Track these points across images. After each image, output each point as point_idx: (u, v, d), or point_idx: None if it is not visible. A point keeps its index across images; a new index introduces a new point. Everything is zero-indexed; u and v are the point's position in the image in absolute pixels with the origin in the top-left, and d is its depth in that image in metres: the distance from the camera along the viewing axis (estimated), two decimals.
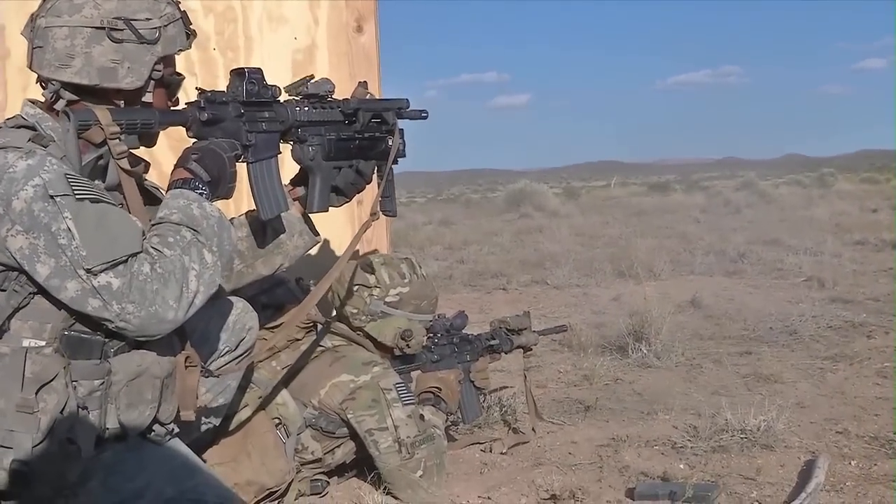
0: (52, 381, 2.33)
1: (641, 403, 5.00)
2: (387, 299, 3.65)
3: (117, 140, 2.45)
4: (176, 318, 2.33)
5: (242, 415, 3.40)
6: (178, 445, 2.67)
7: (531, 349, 4.38)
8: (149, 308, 2.27)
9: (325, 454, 3.56)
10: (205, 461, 2.95)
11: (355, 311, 3.65)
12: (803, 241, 12.32)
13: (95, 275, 2.24)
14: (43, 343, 2.36)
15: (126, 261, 2.27)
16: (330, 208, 3.22)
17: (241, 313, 2.98)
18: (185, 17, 2.68)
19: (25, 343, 2.35)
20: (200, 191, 2.52)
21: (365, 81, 3.35)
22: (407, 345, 3.67)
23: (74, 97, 2.53)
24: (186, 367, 2.57)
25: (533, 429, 4.35)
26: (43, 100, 2.58)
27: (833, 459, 3.85)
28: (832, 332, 6.70)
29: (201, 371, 2.66)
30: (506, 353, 4.27)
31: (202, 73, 3.91)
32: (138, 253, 2.30)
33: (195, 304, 2.37)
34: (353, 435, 3.52)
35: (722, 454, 3.99)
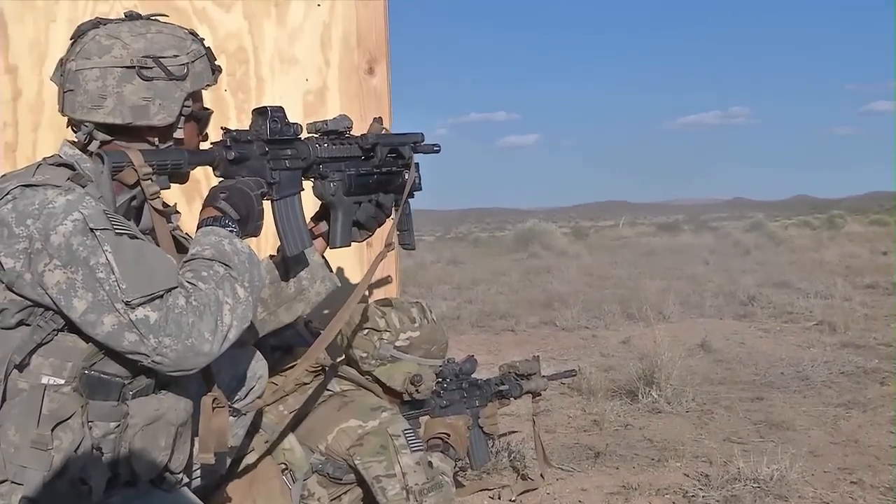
0: (68, 419, 2.31)
1: (652, 450, 4.95)
2: (396, 343, 3.61)
3: (150, 181, 2.47)
4: (211, 351, 2.30)
5: (249, 459, 3.35)
6: (187, 494, 2.64)
7: (540, 394, 4.33)
8: (185, 341, 2.25)
9: (331, 501, 3.51)
10: None
11: (364, 354, 3.61)
12: (813, 284, 12.30)
13: (133, 308, 2.22)
14: (62, 381, 2.33)
15: (163, 295, 2.25)
16: (352, 243, 3.21)
17: (253, 361, 2.97)
18: (209, 53, 2.69)
19: (44, 380, 2.33)
20: (231, 228, 2.52)
21: (380, 117, 3.35)
22: (416, 390, 3.63)
23: (108, 137, 2.54)
24: (214, 408, 2.54)
25: (542, 475, 4.29)
26: (75, 140, 2.57)
27: None
28: (844, 378, 6.65)
29: (230, 411, 2.63)
30: (515, 399, 4.23)
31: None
32: (174, 287, 2.28)
33: (229, 338, 2.35)
34: (361, 481, 3.47)
35: None
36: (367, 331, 3.62)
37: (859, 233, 29.58)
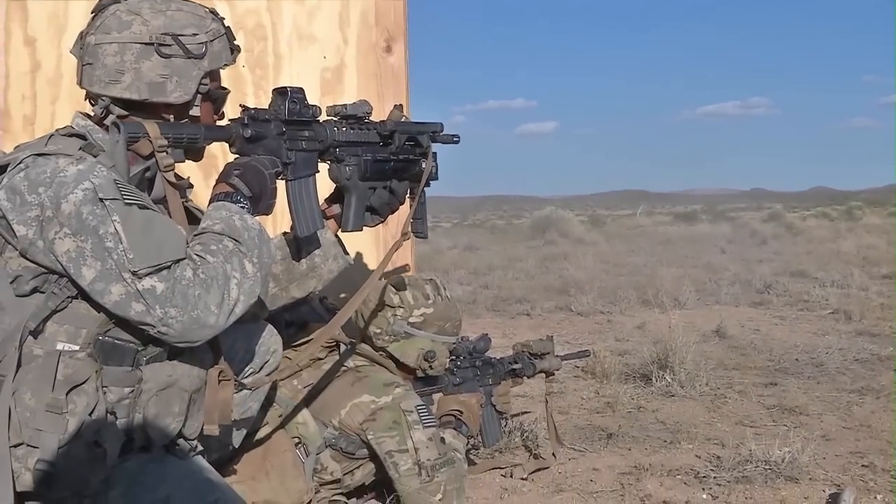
0: (83, 383, 2.34)
1: (664, 432, 4.96)
2: (410, 320, 3.63)
3: (164, 153, 2.48)
4: (217, 323, 2.33)
5: (262, 433, 3.38)
6: (201, 461, 2.67)
7: (553, 374, 4.35)
8: (191, 313, 2.27)
9: (344, 475, 3.53)
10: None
11: (378, 330, 3.63)
12: (830, 274, 12.27)
13: (140, 278, 2.25)
14: (77, 347, 2.37)
15: (170, 266, 2.28)
16: (364, 228, 3.22)
17: (267, 336, 3.00)
18: (229, 33, 2.71)
19: (59, 346, 2.36)
20: (242, 204, 2.55)
21: (400, 105, 3.36)
22: (430, 366, 3.65)
23: (124, 112, 2.57)
24: (220, 380, 2.57)
25: (554, 454, 4.31)
26: (92, 114, 2.59)
27: (858, 493, 3.80)
28: (858, 366, 6.64)
29: (235, 385, 2.66)
30: (528, 378, 4.25)
31: (231, 89, 3.93)
32: (182, 259, 2.30)
33: (235, 312, 2.38)
34: (373, 456, 3.49)
35: (745, 485, 3.95)
36: (381, 307, 3.64)
37: (877, 224, 29.44)
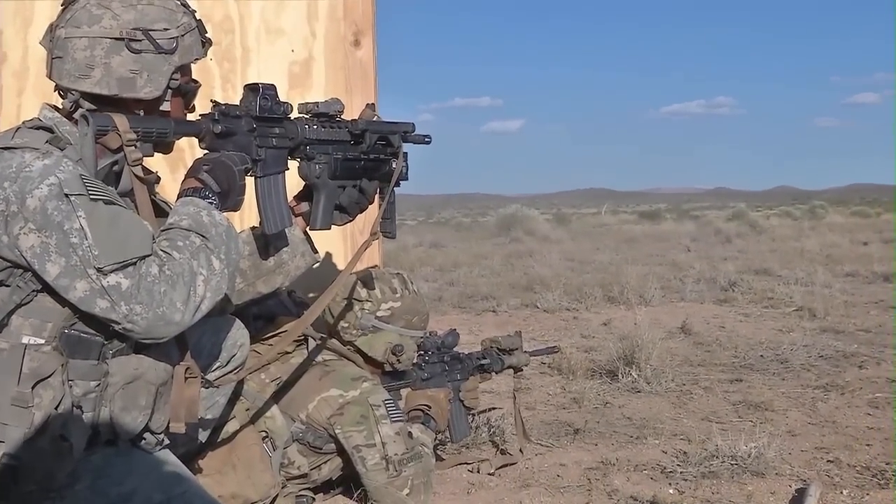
0: (49, 377, 2.32)
1: (631, 428, 4.97)
2: (378, 314, 3.62)
3: (133, 147, 2.46)
4: (182, 320, 2.32)
5: (230, 427, 3.36)
6: (167, 455, 2.65)
7: (521, 370, 4.35)
8: (156, 310, 2.26)
9: (311, 470, 3.53)
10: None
11: (346, 324, 3.62)
12: (794, 272, 12.35)
13: (105, 274, 2.23)
14: (42, 341, 2.35)
15: (136, 263, 2.26)
16: (332, 226, 3.21)
17: (234, 330, 3.00)
18: (200, 26, 2.68)
19: (25, 340, 2.34)
20: (210, 200, 2.53)
21: (373, 104, 3.35)
22: (398, 360, 3.64)
23: (93, 107, 2.53)
24: (186, 378, 2.55)
25: (521, 450, 4.32)
26: (61, 106, 2.57)
27: (824, 488, 3.82)
28: (823, 362, 6.68)
29: (202, 382, 2.64)
30: (496, 373, 4.24)
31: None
32: (148, 255, 2.28)
33: (202, 309, 2.36)
34: (341, 451, 3.48)
35: (712, 480, 3.97)
36: (348, 301, 3.62)
37: (840, 223, 29.75)
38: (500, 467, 4.20)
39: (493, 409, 4.88)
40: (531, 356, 4.37)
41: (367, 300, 3.62)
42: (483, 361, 4.14)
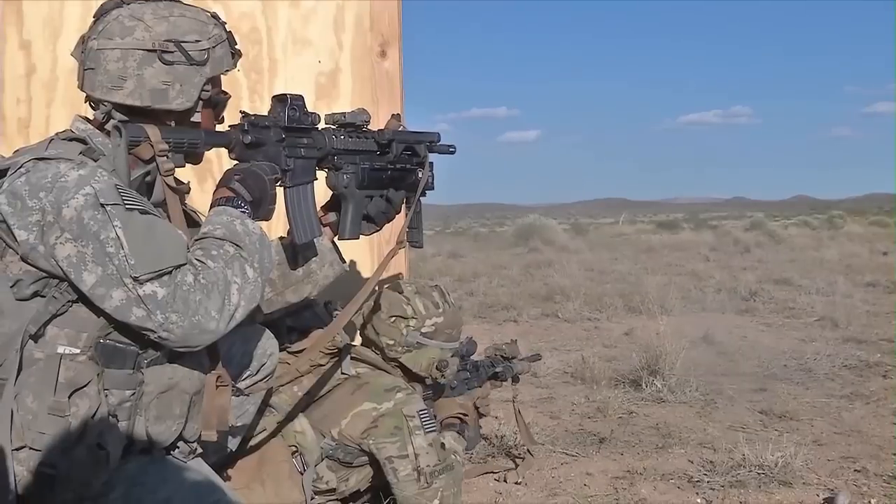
0: (85, 386, 2.32)
1: (656, 437, 4.97)
2: (423, 330, 3.61)
3: (165, 157, 2.48)
4: (217, 329, 2.32)
5: (259, 439, 3.36)
6: (200, 464, 2.65)
7: (519, 378, 4.35)
8: (192, 318, 2.26)
9: (339, 483, 3.51)
10: None
11: (392, 342, 3.61)
12: (814, 282, 12.33)
13: (141, 284, 2.24)
14: (77, 351, 2.35)
15: (171, 272, 2.27)
16: (360, 236, 3.22)
17: (263, 339, 2.98)
18: (230, 38, 2.70)
19: (60, 350, 2.34)
20: (243, 209, 2.54)
21: (398, 114, 3.37)
22: (442, 375, 3.64)
23: (125, 118, 2.54)
24: (217, 386, 2.56)
25: (530, 452, 4.30)
26: (92, 117, 2.59)
27: (853, 498, 3.82)
28: (847, 372, 6.67)
29: (232, 390, 2.65)
30: (504, 381, 4.24)
31: None
32: (183, 264, 2.30)
33: (236, 317, 2.37)
34: (373, 460, 3.48)
35: (739, 489, 3.97)
36: (393, 318, 3.61)
37: (859, 233, 29.58)
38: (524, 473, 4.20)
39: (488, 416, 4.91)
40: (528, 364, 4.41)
41: (413, 317, 3.61)
42: (496, 369, 4.16)
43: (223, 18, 2.70)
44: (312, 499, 3.44)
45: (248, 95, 4.11)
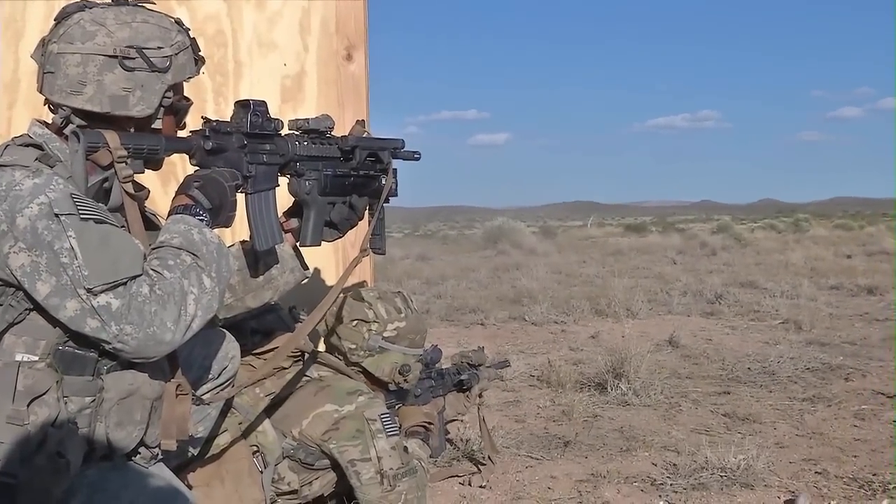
0: (44, 394, 2.30)
1: (621, 440, 4.99)
2: (384, 334, 3.62)
3: (124, 164, 2.45)
4: (173, 340, 2.31)
5: (221, 440, 3.34)
6: (162, 468, 2.64)
7: (482, 395, 4.35)
8: (147, 329, 2.24)
9: (301, 486, 3.51)
10: None
11: (353, 346, 3.62)
12: (779, 285, 12.42)
13: (95, 295, 2.22)
14: (36, 358, 2.33)
15: (126, 283, 2.25)
16: (322, 242, 3.21)
17: (224, 342, 2.98)
18: (194, 44, 2.67)
19: (18, 357, 2.32)
20: (201, 217, 2.51)
21: (363, 120, 3.36)
22: (404, 380, 3.64)
23: (84, 123, 2.51)
24: (177, 395, 2.54)
25: (490, 458, 4.30)
26: (51, 121, 2.56)
27: (813, 499, 3.85)
28: (810, 374, 6.73)
29: (192, 399, 2.63)
30: (469, 389, 4.23)
31: (191, 96, 3.92)
32: (139, 275, 2.28)
33: (192, 328, 2.35)
34: (335, 466, 3.47)
35: (702, 492, 4.00)
36: (355, 322, 3.62)
37: (824, 236, 29.84)
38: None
39: (456, 420, 4.92)
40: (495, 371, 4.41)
41: (375, 321, 3.62)
42: (461, 377, 4.15)
43: (188, 21, 2.69)
44: (274, 501, 3.44)
45: (213, 98, 4.10)
